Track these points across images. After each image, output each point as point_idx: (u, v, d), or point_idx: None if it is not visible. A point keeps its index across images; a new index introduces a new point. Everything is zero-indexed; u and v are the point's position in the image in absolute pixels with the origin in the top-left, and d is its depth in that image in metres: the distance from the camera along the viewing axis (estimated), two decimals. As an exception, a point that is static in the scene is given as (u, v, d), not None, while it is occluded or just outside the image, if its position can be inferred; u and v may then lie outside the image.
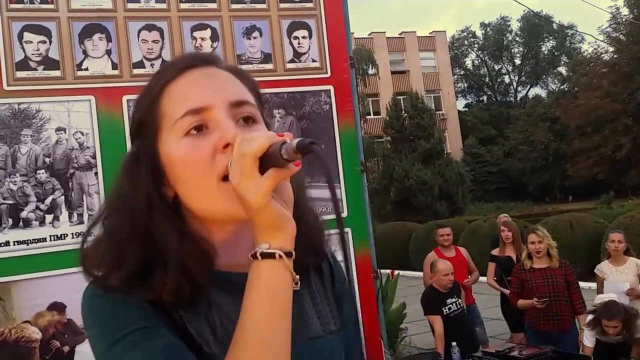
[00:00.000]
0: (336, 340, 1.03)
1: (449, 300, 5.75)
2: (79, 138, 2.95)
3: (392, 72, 41.42)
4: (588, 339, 5.12)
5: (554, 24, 50.24)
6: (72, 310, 2.78)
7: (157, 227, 0.91)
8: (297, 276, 0.87)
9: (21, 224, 2.83)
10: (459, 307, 5.82)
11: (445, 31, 46.72)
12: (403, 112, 31.16)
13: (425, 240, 14.12)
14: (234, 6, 3.29)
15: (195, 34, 3.21)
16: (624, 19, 35.75)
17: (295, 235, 0.87)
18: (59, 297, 2.79)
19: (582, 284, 5.97)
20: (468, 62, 58.13)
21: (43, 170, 2.88)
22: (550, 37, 54.76)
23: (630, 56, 33.47)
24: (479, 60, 57.83)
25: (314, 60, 3.42)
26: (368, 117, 35.10)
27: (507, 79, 57.75)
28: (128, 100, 2.97)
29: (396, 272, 9.01)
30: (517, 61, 56.86)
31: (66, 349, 2.81)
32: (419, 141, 29.28)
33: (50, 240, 2.86)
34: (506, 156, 42.21)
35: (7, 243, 2.80)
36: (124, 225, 0.91)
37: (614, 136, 33.79)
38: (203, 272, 0.90)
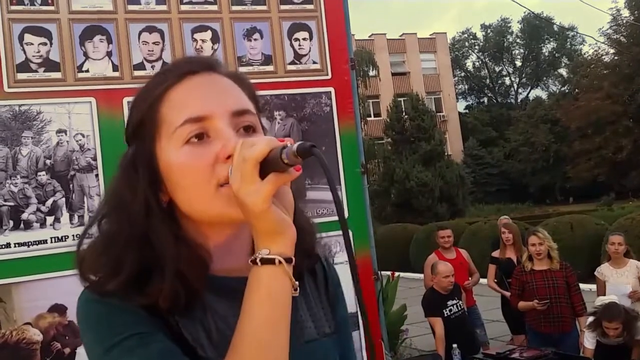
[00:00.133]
0: (330, 343, 1.04)
1: (449, 302, 5.74)
2: (80, 140, 2.94)
3: (393, 74, 41.41)
4: (589, 341, 5.12)
5: (555, 26, 50.38)
6: (73, 312, 2.75)
7: (154, 232, 0.90)
8: (297, 282, 0.87)
9: (22, 225, 2.83)
10: (459, 309, 5.82)
11: (445, 33, 46.81)
12: (404, 113, 31.11)
13: (426, 242, 14.10)
14: (234, 8, 3.29)
15: (196, 35, 3.20)
16: (624, 21, 35.79)
17: (295, 241, 0.87)
18: (60, 299, 2.78)
19: (582, 285, 5.96)
20: (469, 64, 58.20)
21: (44, 172, 2.88)
22: (551, 39, 54.70)
23: (630, 58, 33.45)
24: (480, 62, 57.80)
25: (314, 62, 3.42)
26: (368, 118, 35.13)
27: (507, 81, 57.76)
28: (129, 102, 2.94)
29: (397, 273, 8.99)
30: (518, 63, 56.84)
31: (67, 350, 2.81)
32: (419, 143, 29.27)
33: (51, 242, 2.85)
34: (507, 158, 42.16)
35: (8, 245, 2.80)
36: (122, 230, 0.91)
37: (614, 138, 33.77)
38: (199, 278, 0.90)
